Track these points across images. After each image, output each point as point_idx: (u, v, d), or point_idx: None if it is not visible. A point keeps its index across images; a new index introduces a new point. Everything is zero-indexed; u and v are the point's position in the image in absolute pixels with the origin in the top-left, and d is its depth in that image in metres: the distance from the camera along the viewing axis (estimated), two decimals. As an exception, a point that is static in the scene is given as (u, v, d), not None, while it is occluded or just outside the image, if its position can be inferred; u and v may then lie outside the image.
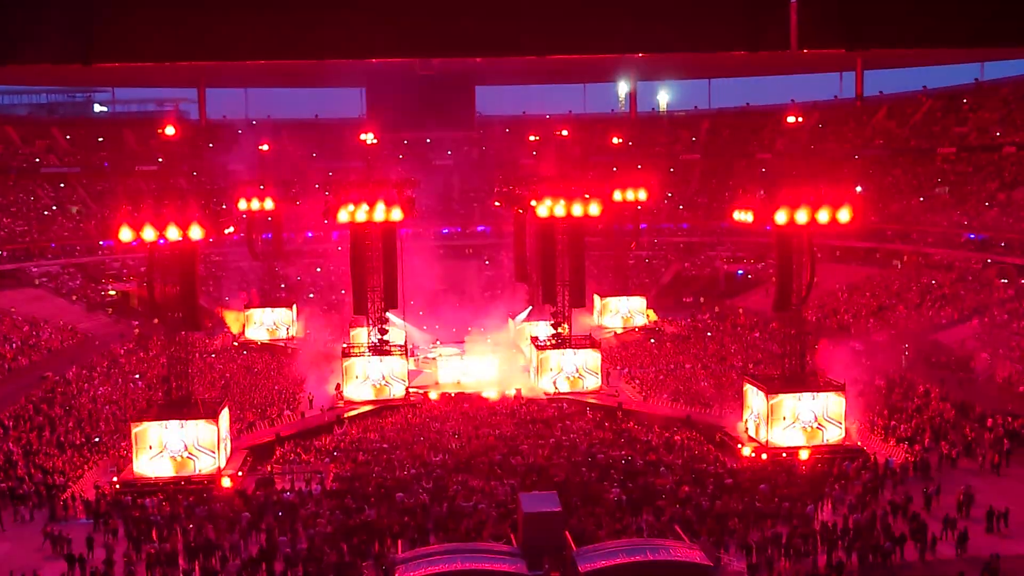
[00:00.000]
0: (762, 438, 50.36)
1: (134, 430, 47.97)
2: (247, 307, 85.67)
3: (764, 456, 48.93)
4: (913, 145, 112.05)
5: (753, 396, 52.17)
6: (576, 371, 64.46)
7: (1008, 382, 62.55)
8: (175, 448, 47.87)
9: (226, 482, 46.81)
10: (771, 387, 50.80)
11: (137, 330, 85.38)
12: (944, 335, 75.63)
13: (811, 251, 53.09)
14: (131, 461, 48.05)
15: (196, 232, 49.76)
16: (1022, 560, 36.92)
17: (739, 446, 50.82)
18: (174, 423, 48.13)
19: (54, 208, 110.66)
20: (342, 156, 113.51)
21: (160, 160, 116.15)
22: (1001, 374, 64.09)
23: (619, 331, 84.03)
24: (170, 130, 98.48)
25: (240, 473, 48.32)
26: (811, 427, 50.04)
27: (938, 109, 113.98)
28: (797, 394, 50.29)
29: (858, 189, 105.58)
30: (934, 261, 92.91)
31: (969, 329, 75.27)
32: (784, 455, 48.77)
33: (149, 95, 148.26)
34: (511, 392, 63.00)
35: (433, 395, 63.03)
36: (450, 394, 63.27)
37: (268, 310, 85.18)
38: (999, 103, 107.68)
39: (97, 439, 52.99)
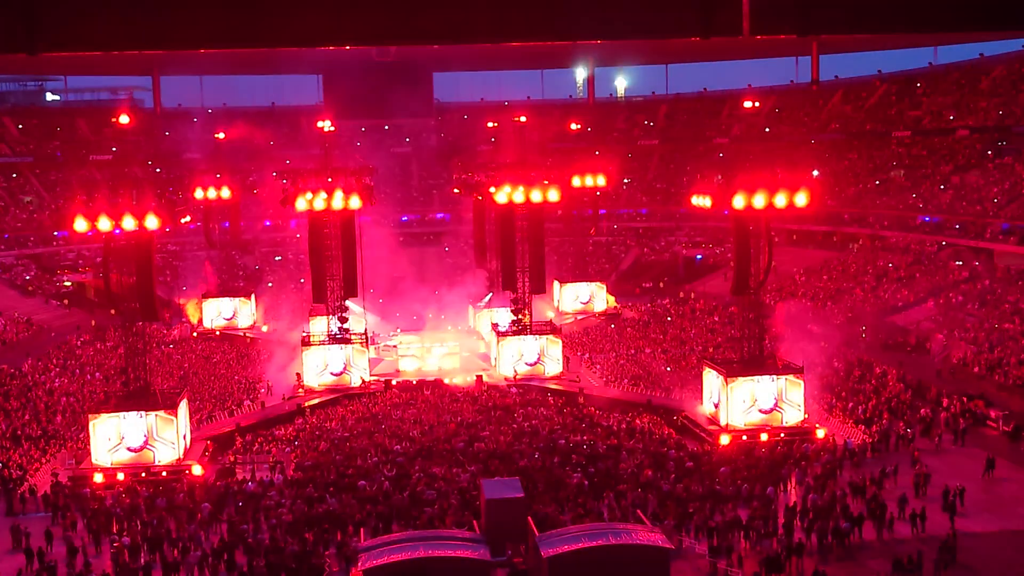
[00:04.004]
0: (721, 421, 50.76)
1: (92, 422, 47.56)
2: (205, 297, 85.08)
3: (726, 439, 49.33)
4: (868, 129, 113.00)
5: (712, 380, 52.53)
6: (537, 357, 64.60)
7: (963, 363, 63.33)
8: (134, 440, 47.51)
9: (197, 469, 46.65)
10: (730, 371, 51.18)
11: (93, 321, 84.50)
12: (900, 317, 76.47)
13: (768, 235, 53.53)
14: (89, 453, 47.66)
15: (152, 222, 49.32)
16: (978, 538, 37.51)
17: (701, 431, 51.23)
18: (132, 415, 47.75)
19: (7, 199, 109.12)
20: (299, 144, 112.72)
21: (114, 149, 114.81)
22: (956, 355, 64.89)
23: (579, 317, 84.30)
24: (124, 119, 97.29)
25: (201, 464, 48.03)
26: (770, 410, 50.45)
27: (893, 93, 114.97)
28: (756, 377, 50.71)
29: (814, 173, 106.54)
30: (890, 244, 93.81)
31: (925, 311, 76.12)
32: (744, 438, 49.25)
33: (102, 83, 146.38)
34: (472, 379, 63.03)
35: (394, 383, 62.91)
36: (411, 381, 63.19)
37: (226, 299, 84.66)
38: (952, 87, 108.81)
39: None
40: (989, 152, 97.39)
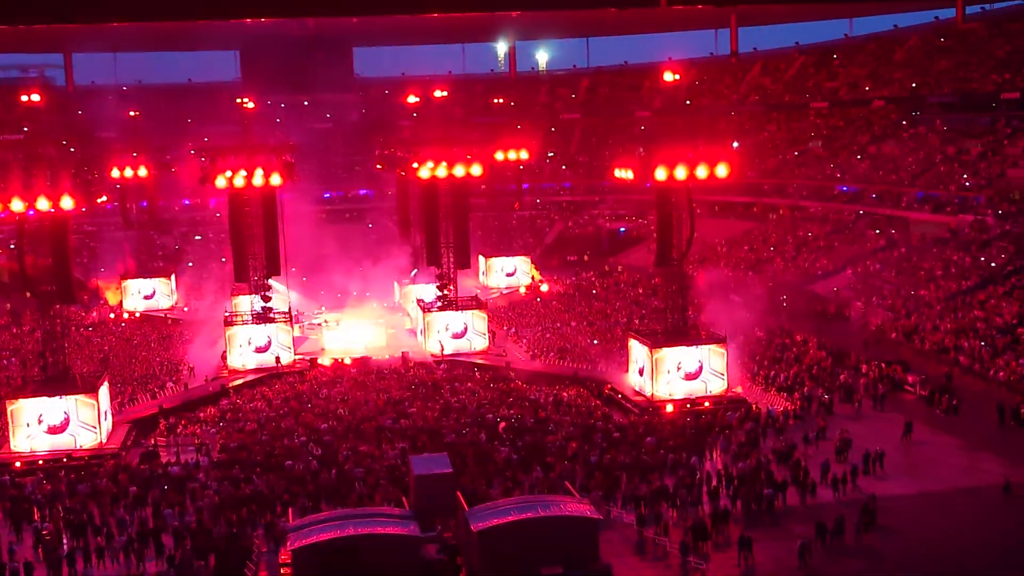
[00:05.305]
0: (647, 391, 51.22)
1: (9, 408, 46.63)
2: (123, 278, 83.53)
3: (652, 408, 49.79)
4: (787, 100, 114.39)
5: (638, 350, 52.96)
6: (463, 332, 64.56)
7: (881, 329, 64.61)
8: (54, 424, 46.61)
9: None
10: (655, 341, 51.64)
11: (9, 305, 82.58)
12: (820, 285, 77.77)
13: (690, 207, 54.01)
14: (7, 440, 46.67)
15: (67, 202, 48.34)
16: (897, 500, 38.36)
17: (627, 402, 51.64)
18: (52, 399, 46.84)
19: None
20: (218, 121, 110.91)
21: (26, 129, 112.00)
22: (874, 322, 66.19)
23: (504, 291, 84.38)
24: (35, 97, 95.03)
25: (124, 448, 47.30)
26: (695, 374, 50.99)
27: (810, 64, 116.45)
28: (680, 347, 51.23)
29: (735, 145, 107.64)
30: (809, 214, 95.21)
31: (843, 279, 77.51)
32: (669, 407, 49.76)
33: (11, 61, 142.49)
34: (398, 355, 62.80)
35: (319, 361, 62.44)
36: (337, 360, 62.74)
37: (145, 280, 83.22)
38: (868, 58, 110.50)
39: None
40: (904, 122, 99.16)
